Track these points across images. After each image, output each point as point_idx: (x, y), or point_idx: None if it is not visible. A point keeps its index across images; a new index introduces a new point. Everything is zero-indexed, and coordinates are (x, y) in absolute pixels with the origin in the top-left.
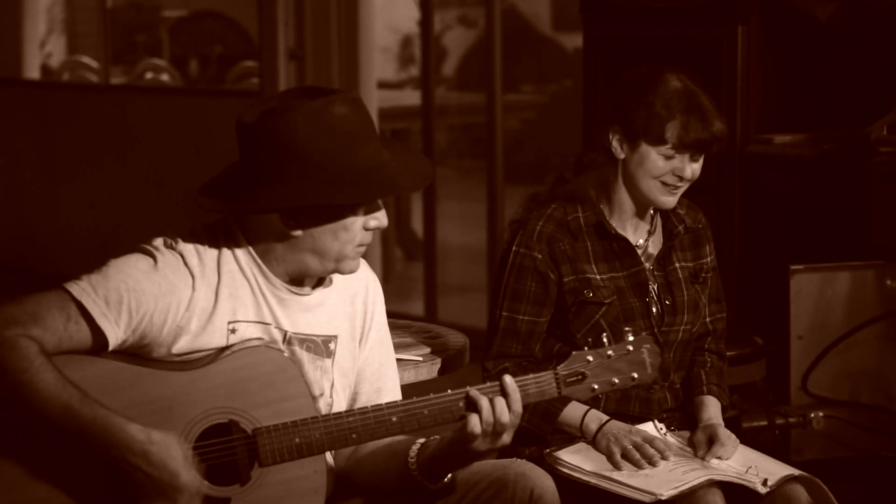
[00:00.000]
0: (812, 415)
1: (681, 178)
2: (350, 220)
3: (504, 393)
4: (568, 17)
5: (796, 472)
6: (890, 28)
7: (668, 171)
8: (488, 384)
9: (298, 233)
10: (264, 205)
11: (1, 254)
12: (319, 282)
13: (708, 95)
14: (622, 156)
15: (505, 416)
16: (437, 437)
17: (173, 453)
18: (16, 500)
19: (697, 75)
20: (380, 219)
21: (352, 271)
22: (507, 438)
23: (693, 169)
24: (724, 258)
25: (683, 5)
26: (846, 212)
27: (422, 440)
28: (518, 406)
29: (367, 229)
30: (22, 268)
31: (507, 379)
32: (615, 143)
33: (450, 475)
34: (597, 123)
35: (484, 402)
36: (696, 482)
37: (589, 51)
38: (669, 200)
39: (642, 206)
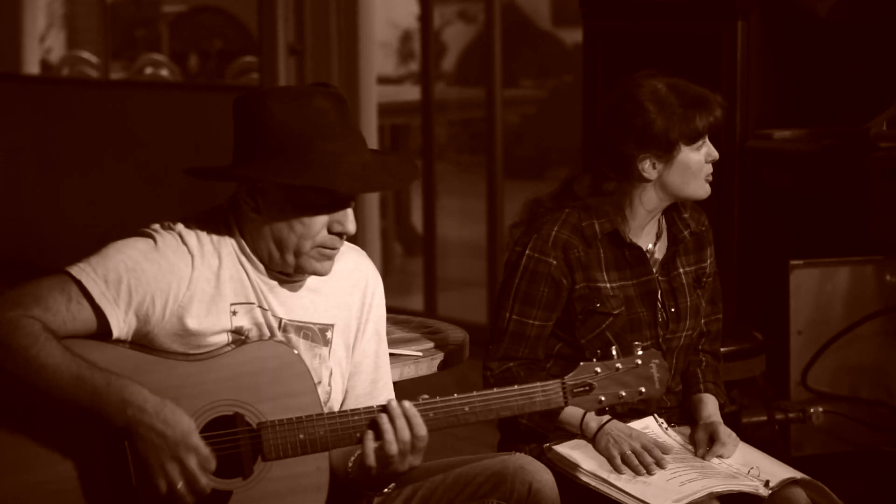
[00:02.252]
0: (812, 410)
1: (714, 161)
2: (305, 214)
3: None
4: (567, 11)
5: (798, 475)
6: (889, 23)
7: (704, 161)
8: (507, 388)
9: (256, 216)
10: (216, 172)
11: (1, 249)
12: None
13: (687, 80)
14: (655, 176)
15: (395, 445)
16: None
17: (185, 418)
18: (18, 483)
19: (664, 70)
20: (343, 223)
21: (315, 272)
22: (414, 460)
23: None
24: (723, 254)
25: (683, 0)
26: (846, 207)
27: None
28: (404, 434)
29: (331, 232)
30: (22, 263)
31: (392, 404)
32: (647, 168)
33: (392, 484)
34: (610, 156)
35: (385, 424)
36: (694, 497)
37: (589, 46)
38: (709, 189)
39: (672, 204)
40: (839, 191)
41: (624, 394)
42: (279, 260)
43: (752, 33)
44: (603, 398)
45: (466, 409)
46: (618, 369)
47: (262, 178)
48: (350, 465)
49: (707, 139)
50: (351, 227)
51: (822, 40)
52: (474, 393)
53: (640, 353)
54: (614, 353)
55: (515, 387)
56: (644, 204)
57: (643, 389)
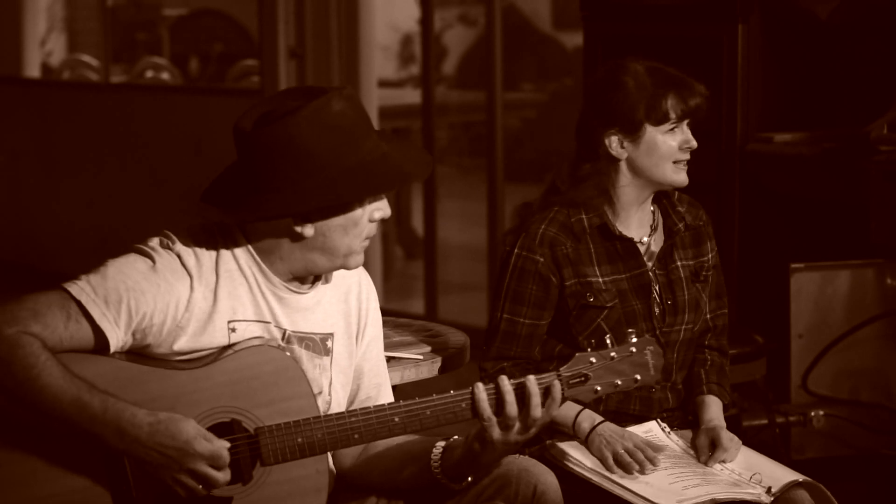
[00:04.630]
0: (812, 413)
1: (690, 149)
2: (358, 214)
3: (529, 393)
4: (568, 15)
5: (801, 477)
6: (889, 26)
7: (677, 147)
8: (491, 385)
9: (311, 232)
10: (275, 211)
11: (1, 251)
12: (315, 280)
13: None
14: (624, 155)
15: (538, 409)
16: (459, 438)
17: (182, 426)
18: (21, 497)
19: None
20: (383, 209)
21: (358, 265)
22: (533, 431)
23: (692, 137)
24: (724, 257)
25: (684, 3)
26: (846, 210)
27: (443, 443)
28: (555, 408)
29: (371, 221)
30: (21, 265)
31: (531, 379)
32: (614, 146)
33: (470, 478)
34: (582, 136)
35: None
36: (697, 500)
37: (589, 49)
38: (685, 177)
39: (652, 192)
40: (840, 194)
41: (619, 382)
42: (326, 265)
43: (752, 36)
44: (599, 388)
45: (463, 405)
46: (612, 358)
47: (321, 203)
48: (434, 463)
49: (684, 126)
50: (388, 210)
51: (822, 43)
52: (470, 388)
53: (633, 340)
54: (608, 342)
55: (511, 381)
56: (623, 188)
57: (638, 377)
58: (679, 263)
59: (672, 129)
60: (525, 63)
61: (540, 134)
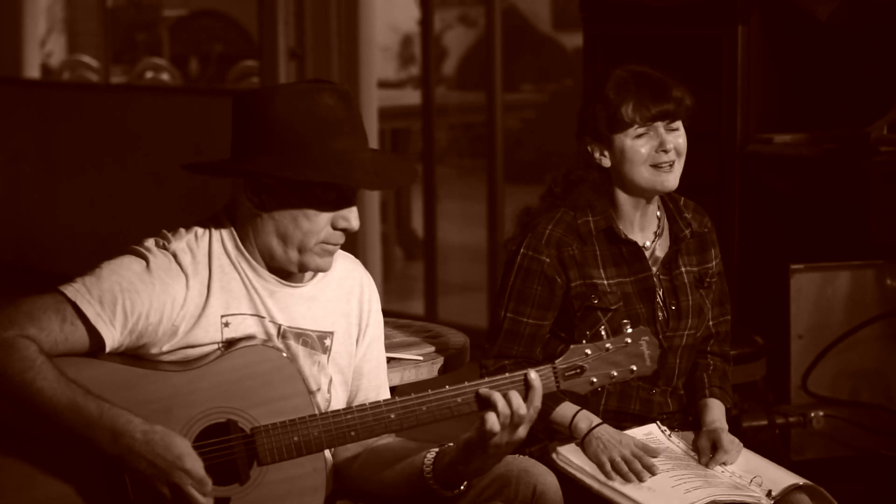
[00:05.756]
0: (812, 414)
1: (666, 151)
2: (311, 211)
3: (528, 387)
4: (568, 16)
5: (801, 480)
6: (890, 27)
7: (651, 150)
8: (498, 377)
9: (259, 212)
10: (221, 167)
11: (1, 252)
12: (312, 276)
13: (663, 73)
14: (607, 163)
15: (522, 408)
16: (452, 444)
17: (176, 441)
18: (20, 501)
19: (648, 64)
20: (349, 219)
21: (318, 268)
22: (522, 432)
23: (675, 139)
24: (724, 258)
25: (683, 4)
26: (846, 211)
27: (436, 448)
28: (538, 401)
29: (335, 228)
30: (21, 266)
31: (532, 374)
32: (596, 154)
33: (465, 483)
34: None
35: (498, 398)
36: (698, 503)
37: (589, 50)
38: (668, 179)
39: (645, 198)
40: (840, 195)
41: (615, 373)
42: (282, 256)
43: (752, 37)
44: (595, 379)
45: (459, 399)
46: (608, 349)
47: (276, 173)
48: (427, 469)
49: (660, 129)
50: (356, 223)
51: (822, 44)
52: (466, 383)
53: (629, 331)
54: (603, 333)
55: (506, 374)
56: (619, 194)
57: (634, 367)
58: (683, 269)
59: (642, 135)
60: (525, 64)
61: (540, 135)
